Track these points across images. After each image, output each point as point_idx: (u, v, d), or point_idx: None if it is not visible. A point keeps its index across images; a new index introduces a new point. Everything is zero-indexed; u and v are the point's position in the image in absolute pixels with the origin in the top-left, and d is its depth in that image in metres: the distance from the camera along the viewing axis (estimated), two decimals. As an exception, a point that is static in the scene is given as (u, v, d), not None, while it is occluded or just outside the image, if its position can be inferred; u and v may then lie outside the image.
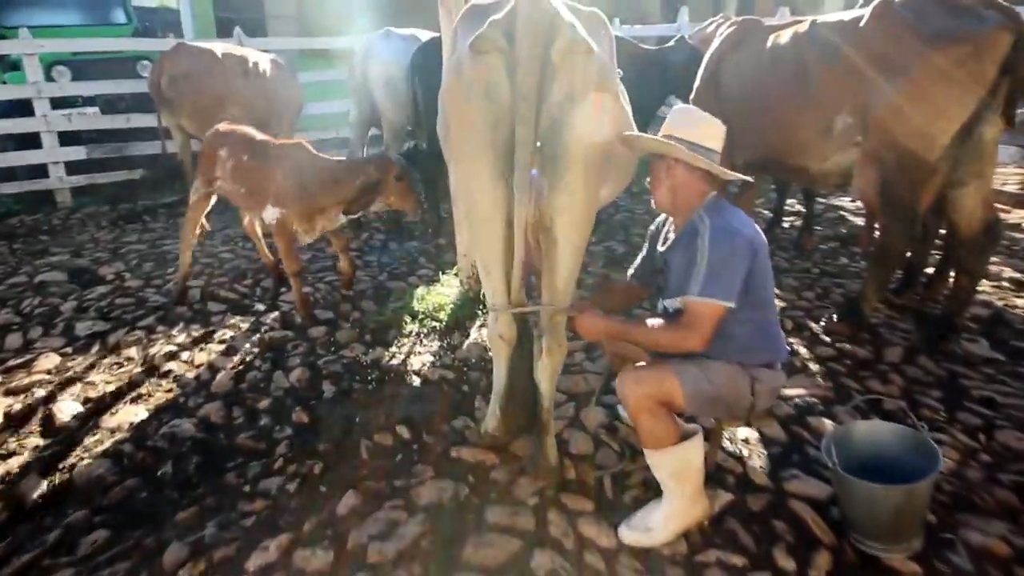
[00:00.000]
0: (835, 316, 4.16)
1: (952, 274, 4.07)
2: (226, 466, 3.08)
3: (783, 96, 4.09)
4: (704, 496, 2.56)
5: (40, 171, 8.06)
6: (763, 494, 2.76)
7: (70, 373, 3.94)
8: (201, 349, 4.22)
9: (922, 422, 2.57)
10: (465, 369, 3.85)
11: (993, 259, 4.62)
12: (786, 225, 6.41)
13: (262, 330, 4.44)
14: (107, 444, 3.25)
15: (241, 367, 3.98)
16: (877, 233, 3.91)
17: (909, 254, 4.40)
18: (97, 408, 3.58)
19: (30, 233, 7.00)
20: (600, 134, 2.39)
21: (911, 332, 4.11)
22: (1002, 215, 4.36)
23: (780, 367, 2.59)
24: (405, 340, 4.23)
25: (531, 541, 2.53)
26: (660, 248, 2.70)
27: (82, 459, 3.14)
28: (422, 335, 4.28)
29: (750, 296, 2.39)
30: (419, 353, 4.06)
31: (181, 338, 4.36)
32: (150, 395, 3.71)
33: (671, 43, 6.17)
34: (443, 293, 4.75)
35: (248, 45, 8.30)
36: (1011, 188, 6.77)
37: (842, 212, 6.98)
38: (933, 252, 4.71)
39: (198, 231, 4.91)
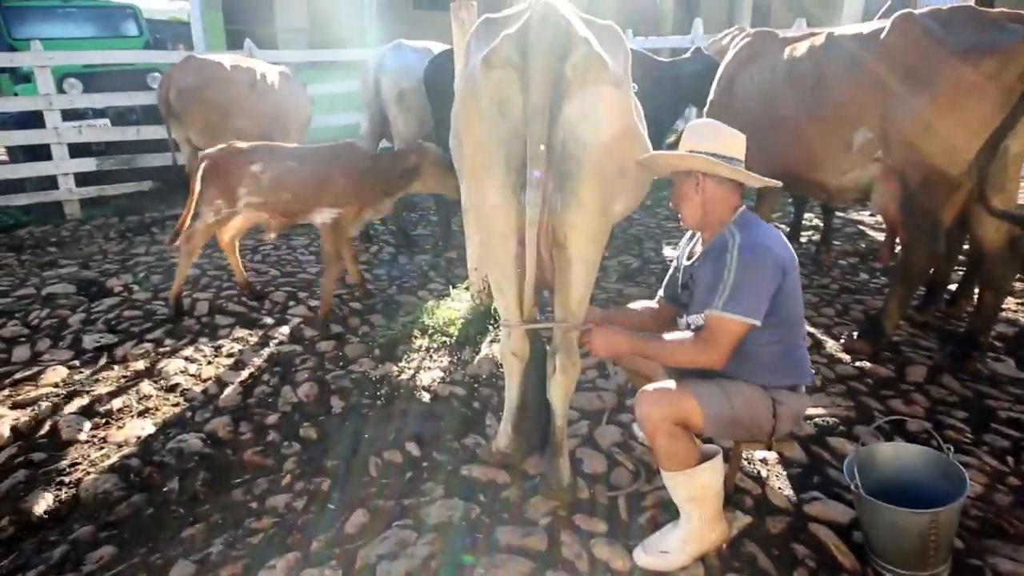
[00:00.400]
0: (856, 334, 4.10)
1: (976, 291, 4.00)
2: (233, 482, 3.05)
3: (800, 109, 4.04)
4: (722, 519, 2.49)
5: (49, 183, 8.08)
6: (783, 517, 2.70)
7: (77, 386, 3.91)
8: (209, 363, 4.18)
9: (947, 444, 2.50)
10: (476, 385, 3.80)
11: (1018, 275, 4.54)
12: (804, 240, 6.36)
13: (270, 344, 4.40)
14: (113, 459, 3.21)
15: (249, 381, 3.94)
16: (899, 248, 3.84)
17: (931, 270, 4.33)
18: (104, 422, 3.55)
19: (38, 244, 7.01)
20: (614, 149, 2.35)
21: (934, 350, 4.04)
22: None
23: (804, 390, 2.53)
24: (415, 355, 4.19)
25: (543, 562, 2.48)
26: (686, 262, 2.65)
27: (88, 474, 3.10)
28: (432, 350, 4.23)
29: (776, 316, 2.34)
30: (429, 369, 4.02)
31: (189, 351, 4.33)
32: (157, 409, 3.68)
33: (688, 54, 6.15)
34: (454, 307, 4.71)
35: (259, 57, 8.34)
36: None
37: (861, 227, 6.91)
38: (956, 268, 4.64)
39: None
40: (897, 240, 3.89)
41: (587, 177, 2.30)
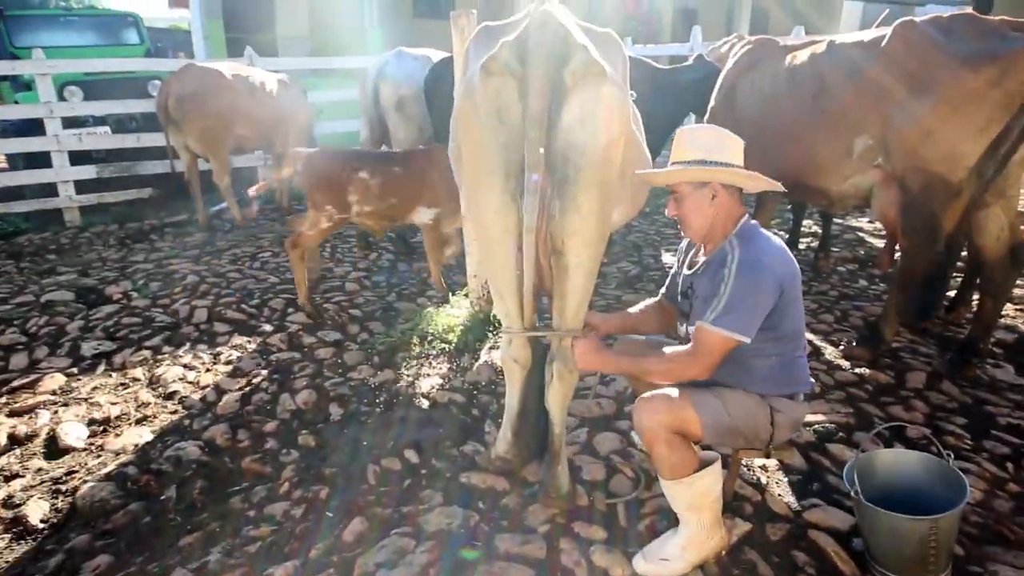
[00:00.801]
0: (855, 340, 4.09)
1: (975, 297, 3.99)
2: (231, 490, 3.04)
3: (801, 116, 4.04)
4: (722, 526, 2.48)
5: (49, 190, 8.09)
6: (783, 524, 2.69)
7: (75, 394, 3.90)
8: (207, 370, 4.17)
9: (947, 450, 2.49)
10: (475, 392, 3.79)
11: (1018, 282, 4.53)
12: (802, 247, 6.35)
13: (269, 351, 4.39)
14: (111, 466, 3.20)
15: (247, 389, 3.93)
16: (898, 255, 3.84)
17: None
18: (101, 429, 3.54)
19: (38, 252, 7.00)
20: (613, 156, 2.34)
21: (934, 357, 4.03)
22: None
23: (803, 397, 2.51)
24: (414, 362, 4.18)
25: (542, 570, 2.47)
26: (687, 271, 2.63)
27: (85, 482, 3.09)
28: (431, 357, 4.23)
29: (776, 331, 2.33)
30: (428, 375, 4.01)
31: (187, 359, 4.32)
32: (155, 416, 3.66)
33: (689, 61, 6.16)
34: (453, 314, 4.70)
35: (259, 65, 8.36)
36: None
37: (860, 233, 6.91)
38: (955, 274, 4.63)
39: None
40: (896, 246, 3.88)
41: (585, 183, 2.30)
